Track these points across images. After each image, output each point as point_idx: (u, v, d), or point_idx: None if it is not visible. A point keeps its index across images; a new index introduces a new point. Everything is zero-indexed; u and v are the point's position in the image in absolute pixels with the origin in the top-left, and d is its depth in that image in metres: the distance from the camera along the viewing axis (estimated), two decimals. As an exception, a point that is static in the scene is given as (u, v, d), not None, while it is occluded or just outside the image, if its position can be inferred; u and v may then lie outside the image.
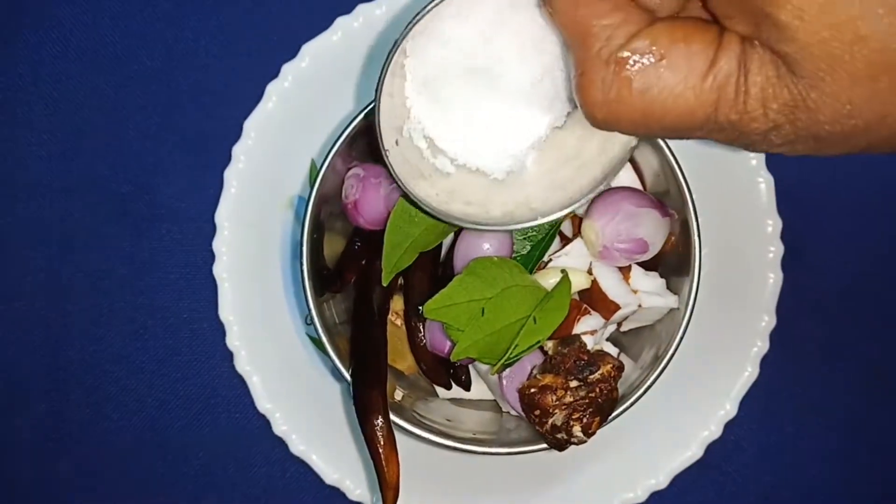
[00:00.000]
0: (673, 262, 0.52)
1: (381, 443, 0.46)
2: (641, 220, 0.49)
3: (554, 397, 0.45)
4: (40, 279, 0.60)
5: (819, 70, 0.26)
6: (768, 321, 0.58)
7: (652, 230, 0.49)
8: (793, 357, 0.60)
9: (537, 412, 0.46)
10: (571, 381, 0.46)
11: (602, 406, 0.46)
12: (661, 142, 0.50)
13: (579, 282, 0.49)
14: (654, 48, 0.28)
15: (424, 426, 0.50)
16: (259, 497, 0.61)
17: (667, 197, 0.52)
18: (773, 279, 0.58)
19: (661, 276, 0.52)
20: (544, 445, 0.49)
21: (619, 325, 0.53)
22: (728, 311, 0.58)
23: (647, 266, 0.52)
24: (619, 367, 0.47)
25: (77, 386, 0.60)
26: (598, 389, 0.46)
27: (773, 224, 0.57)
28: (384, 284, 0.50)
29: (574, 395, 0.46)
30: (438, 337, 0.50)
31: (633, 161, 0.53)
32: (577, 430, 0.46)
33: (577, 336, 0.49)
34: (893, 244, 0.61)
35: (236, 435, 0.60)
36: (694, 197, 0.50)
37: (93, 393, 0.60)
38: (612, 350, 0.53)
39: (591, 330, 0.49)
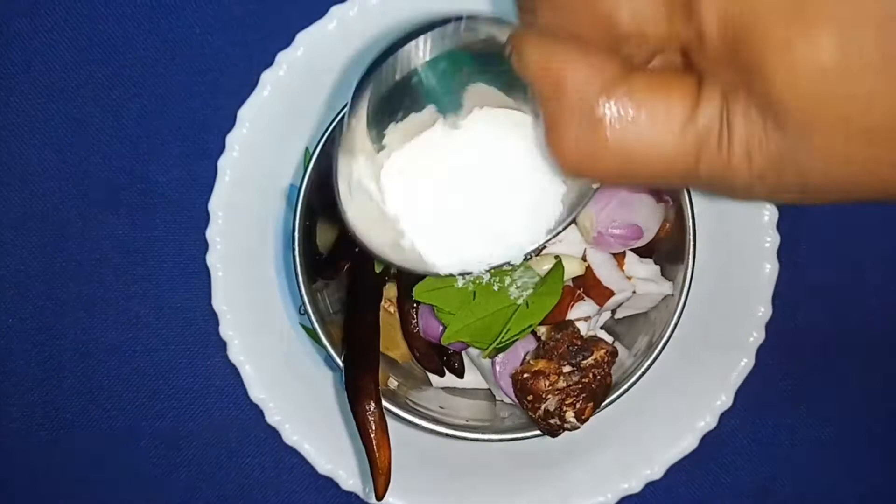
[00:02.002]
0: (668, 250, 0.52)
1: (373, 428, 0.46)
2: (636, 206, 0.48)
3: (547, 382, 0.45)
4: (33, 267, 0.60)
5: (808, 131, 0.24)
6: (764, 311, 0.57)
7: (647, 216, 0.49)
8: (789, 347, 0.60)
9: (530, 398, 0.46)
10: (564, 366, 0.46)
11: (595, 392, 0.46)
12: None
13: (573, 268, 0.49)
14: (630, 99, 0.27)
15: (417, 413, 0.50)
16: (251, 487, 0.60)
17: (662, 184, 0.51)
18: (769, 269, 0.57)
19: (656, 264, 0.51)
20: (538, 432, 0.48)
21: (614, 312, 0.53)
22: (724, 301, 0.58)
23: (642, 253, 0.51)
24: (613, 353, 0.47)
25: (70, 375, 0.60)
26: (591, 375, 0.46)
27: (769, 213, 0.57)
28: (377, 271, 0.50)
29: (567, 380, 0.45)
30: (431, 323, 0.49)
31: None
32: (570, 415, 0.45)
33: (571, 322, 0.48)
34: (889, 234, 0.61)
35: (229, 424, 0.60)
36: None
37: (85, 382, 0.60)
38: (606, 338, 0.53)
39: (584, 316, 0.49)
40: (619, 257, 0.50)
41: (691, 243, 0.49)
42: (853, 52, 0.22)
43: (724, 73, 0.25)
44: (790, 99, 0.24)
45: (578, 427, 0.46)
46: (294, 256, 0.50)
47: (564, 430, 0.46)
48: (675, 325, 0.49)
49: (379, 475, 0.45)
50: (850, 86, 0.23)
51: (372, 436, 0.46)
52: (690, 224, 0.49)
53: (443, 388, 0.56)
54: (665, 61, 0.28)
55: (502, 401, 0.54)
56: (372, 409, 0.46)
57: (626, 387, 0.49)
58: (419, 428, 0.50)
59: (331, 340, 0.50)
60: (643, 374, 0.49)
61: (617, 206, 0.48)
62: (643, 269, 0.50)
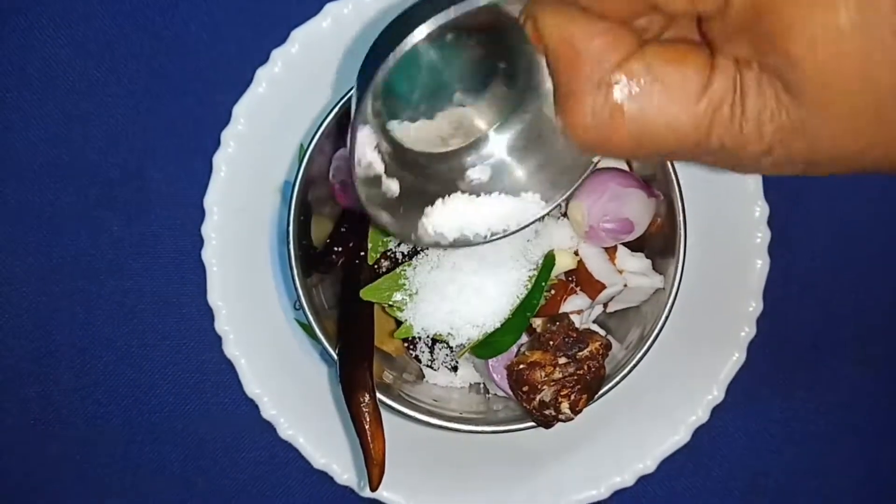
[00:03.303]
0: (659, 244, 0.52)
1: (368, 420, 0.46)
2: (627, 200, 0.49)
3: (543, 373, 0.46)
4: (29, 263, 0.60)
5: (823, 98, 0.25)
6: (755, 306, 0.58)
7: (638, 210, 0.49)
8: (780, 342, 0.61)
9: (525, 388, 0.46)
10: (560, 357, 0.46)
11: (590, 383, 0.46)
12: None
13: (566, 262, 0.49)
14: (647, 71, 0.27)
15: (411, 405, 0.50)
16: (247, 481, 0.61)
17: (653, 181, 0.52)
18: (761, 264, 0.58)
19: (647, 258, 0.52)
20: (531, 424, 0.49)
21: (606, 306, 0.53)
22: (715, 297, 0.58)
23: (633, 247, 0.52)
24: (607, 346, 0.47)
25: (66, 370, 0.60)
26: (586, 367, 0.46)
27: (761, 209, 0.58)
28: (370, 264, 0.51)
29: (563, 371, 0.46)
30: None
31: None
32: (564, 406, 0.46)
33: (566, 314, 0.49)
34: (879, 229, 0.62)
35: (224, 419, 0.60)
36: (680, 182, 0.50)
37: (81, 377, 0.60)
38: (599, 332, 0.53)
39: (577, 309, 0.49)
40: (611, 251, 0.51)
41: (682, 237, 0.50)
42: (870, 15, 0.23)
43: (740, 45, 0.26)
44: (807, 65, 0.24)
45: (572, 418, 0.46)
46: (289, 252, 0.50)
47: (559, 421, 0.46)
48: (667, 317, 0.50)
49: (373, 466, 0.46)
50: (867, 48, 0.24)
51: (366, 427, 0.46)
52: (681, 218, 0.50)
53: (436, 382, 0.56)
54: (677, 33, 0.29)
55: (495, 394, 0.54)
56: (366, 400, 0.46)
57: (617, 379, 0.49)
58: (413, 420, 0.50)
59: (326, 335, 0.50)
60: (635, 366, 0.49)
61: (608, 201, 0.49)
62: (634, 263, 0.51)
